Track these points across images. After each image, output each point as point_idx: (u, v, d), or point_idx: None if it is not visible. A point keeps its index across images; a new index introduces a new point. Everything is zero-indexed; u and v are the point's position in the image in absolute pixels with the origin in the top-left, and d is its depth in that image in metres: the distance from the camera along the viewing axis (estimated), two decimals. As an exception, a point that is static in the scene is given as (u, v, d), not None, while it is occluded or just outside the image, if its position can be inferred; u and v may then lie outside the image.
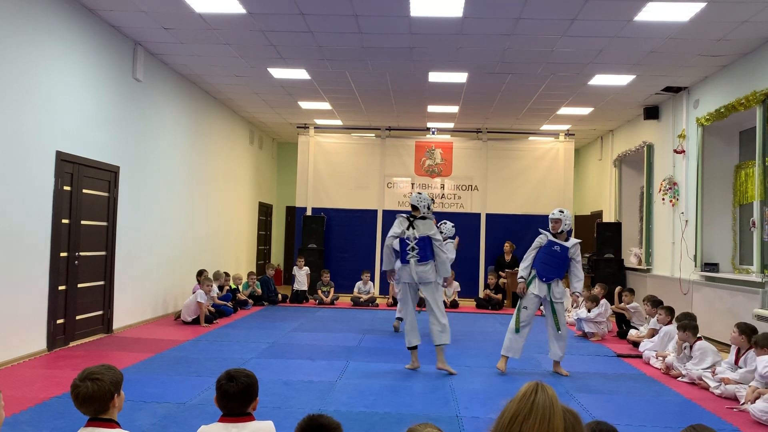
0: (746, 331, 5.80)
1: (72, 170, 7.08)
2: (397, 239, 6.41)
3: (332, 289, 12.34)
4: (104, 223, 7.87)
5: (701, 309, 8.78)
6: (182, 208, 10.22)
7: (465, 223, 13.51)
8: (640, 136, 11.83)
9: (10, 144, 5.99)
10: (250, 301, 11.25)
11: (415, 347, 6.39)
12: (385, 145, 13.97)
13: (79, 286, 7.35)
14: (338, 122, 13.61)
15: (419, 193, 6.53)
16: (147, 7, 7.05)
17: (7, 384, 5.25)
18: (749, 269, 8.16)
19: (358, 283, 12.22)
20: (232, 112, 12.82)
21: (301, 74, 9.70)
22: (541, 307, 6.61)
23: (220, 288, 10.31)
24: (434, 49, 8.29)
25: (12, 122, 6.01)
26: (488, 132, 13.83)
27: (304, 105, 11.98)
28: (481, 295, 12.83)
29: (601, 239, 12.29)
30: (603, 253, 12.19)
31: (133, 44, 8.35)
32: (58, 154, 6.74)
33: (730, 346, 6.24)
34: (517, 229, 13.46)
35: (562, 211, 6.51)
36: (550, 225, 6.54)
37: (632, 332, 8.50)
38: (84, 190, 7.35)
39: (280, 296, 12.01)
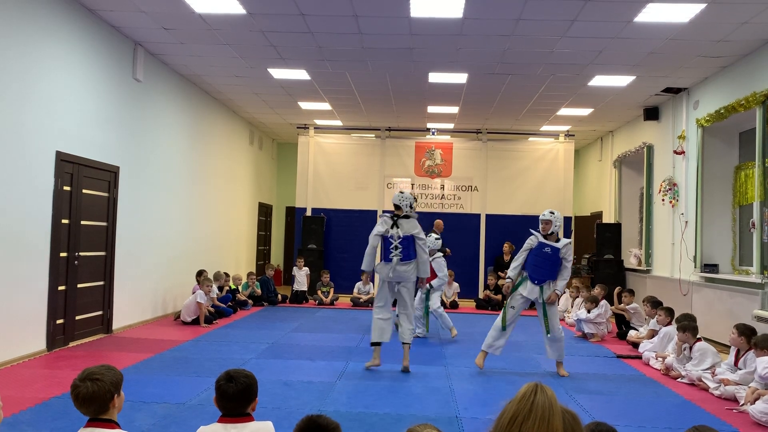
0: (745, 332, 5.80)
1: (72, 170, 7.08)
2: (380, 238, 6.42)
3: (332, 290, 12.34)
4: (104, 224, 7.87)
5: (701, 310, 8.78)
6: (182, 208, 10.22)
7: (465, 224, 13.53)
8: (640, 137, 11.83)
9: (10, 144, 5.99)
10: (250, 301, 11.25)
11: (378, 344, 6.34)
12: (385, 146, 13.97)
13: (79, 286, 7.35)
14: (338, 123, 13.61)
15: (401, 192, 6.54)
16: (147, 7, 7.05)
17: (7, 384, 5.26)
18: (749, 270, 8.16)
19: (358, 284, 12.22)
20: (232, 113, 12.83)
21: (301, 75, 9.70)
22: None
23: (220, 288, 10.31)
24: (434, 50, 8.29)
25: (12, 122, 6.01)
26: (488, 133, 13.83)
27: (304, 105, 11.98)
28: (480, 295, 12.83)
29: (601, 240, 12.29)
30: (603, 253, 12.19)
31: (133, 44, 8.35)
32: (58, 154, 6.74)
33: (729, 347, 6.24)
34: (516, 229, 13.41)
35: (552, 213, 6.50)
36: (541, 226, 6.53)
37: (632, 333, 8.50)
38: (84, 190, 7.35)
39: (279, 297, 12.00)
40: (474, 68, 9.09)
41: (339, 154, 14.01)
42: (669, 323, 7.34)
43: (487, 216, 13.76)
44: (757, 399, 5.01)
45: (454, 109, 11.91)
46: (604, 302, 8.94)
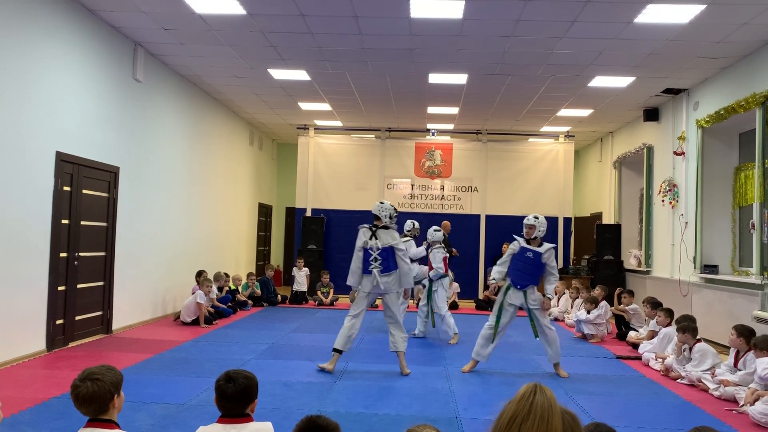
0: (744, 333, 5.80)
1: (72, 170, 7.08)
2: (363, 252, 6.34)
3: (332, 290, 12.34)
4: (104, 224, 7.87)
5: (701, 311, 8.78)
6: (182, 208, 10.22)
7: (465, 225, 13.52)
8: (640, 137, 11.83)
9: (10, 144, 5.99)
10: (250, 302, 11.25)
11: (340, 352, 6.26)
12: (385, 147, 13.98)
13: (79, 286, 7.35)
14: (338, 123, 13.61)
15: (381, 203, 6.48)
16: (147, 7, 7.06)
17: (7, 384, 5.26)
18: (749, 271, 8.16)
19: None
20: (232, 113, 12.83)
21: (301, 75, 9.71)
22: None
23: (220, 289, 10.31)
24: (434, 51, 8.29)
25: (12, 122, 6.01)
26: (488, 133, 13.84)
27: (304, 106, 11.98)
28: (480, 296, 12.83)
29: (601, 241, 12.29)
30: (603, 254, 12.20)
31: (134, 45, 8.36)
32: (58, 154, 6.74)
33: (729, 348, 6.24)
34: (516, 230, 13.21)
35: (536, 217, 6.47)
36: (524, 231, 6.50)
37: (631, 334, 8.50)
38: (84, 191, 7.35)
39: (279, 297, 12.01)
40: (474, 69, 9.09)
41: (339, 154, 14.02)
42: (669, 324, 7.34)
43: (487, 217, 13.76)
44: (756, 400, 5.01)
45: (454, 110, 11.91)
46: (603, 303, 8.94)
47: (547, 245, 6.49)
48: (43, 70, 6.46)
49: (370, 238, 6.30)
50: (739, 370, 5.71)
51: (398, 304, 6.47)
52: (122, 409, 2.64)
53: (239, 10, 7.02)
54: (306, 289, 12.35)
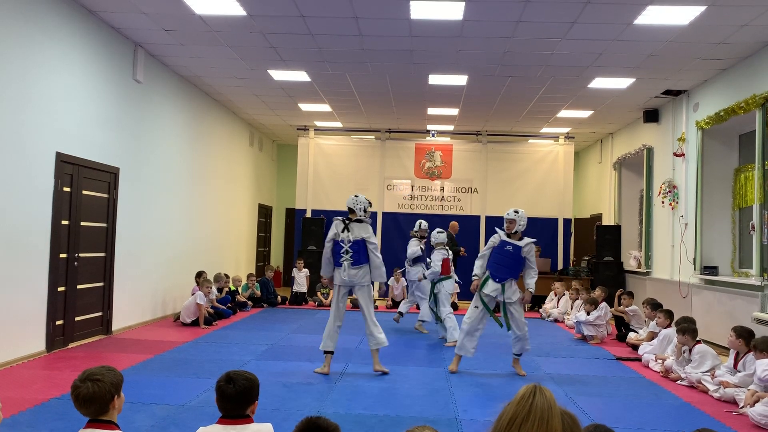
0: (743, 334, 5.80)
1: (72, 171, 7.09)
2: (332, 243, 6.33)
3: (331, 291, 12.31)
4: (104, 225, 7.87)
5: (700, 312, 8.77)
6: (182, 209, 10.22)
7: (464, 226, 13.51)
8: (640, 139, 11.83)
9: (10, 145, 6.00)
10: (249, 302, 11.24)
11: (330, 352, 6.24)
12: (385, 148, 13.98)
13: (79, 287, 7.35)
14: (338, 124, 13.62)
15: (356, 196, 6.48)
16: (148, 8, 7.06)
17: (6, 385, 5.26)
18: (749, 272, 8.16)
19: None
20: (232, 114, 12.83)
21: (301, 76, 9.71)
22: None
23: (220, 290, 10.30)
24: (434, 52, 8.30)
25: (12, 123, 6.02)
26: (488, 134, 13.84)
27: (304, 107, 11.99)
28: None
29: (601, 242, 12.29)
30: (602, 256, 12.19)
31: (134, 46, 8.36)
32: (58, 155, 6.74)
33: (729, 349, 6.24)
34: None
35: (516, 212, 6.50)
36: (505, 225, 6.54)
37: (631, 335, 8.50)
38: (84, 192, 7.36)
39: (279, 298, 12.00)
40: (474, 70, 9.10)
41: (339, 155, 14.02)
42: (668, 325, 7.34)
43: (487, 218, 13.76)
44: (756, 401, 5.01)
45: (454, 111, 11.91)
46: (603, 304, 8.94)
47: (527, 239, 6.51)
48: (43, 70, 6.46)
49: (343, 231, 6.28)
50: (739, 372, 5.70)
51: (369, 301, 6.39)
52: (122, 410, 2.64)
53: (239, 11, 7.02)
54: (306, 290, 12.35)
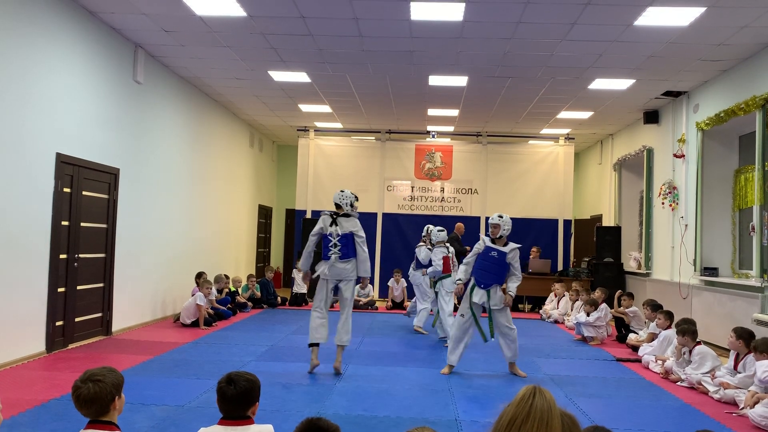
0: (743, 335, 5.80)
1: (72, 172, 7.09)
2: (316, 237, 6.33)
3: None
4: (104, 225, 7.87)
5: (700, 313, 8.77)
6: (182, 210, 10.22)
7: (465, 227, 13.50)
8: (640, 140, 11.84)
9: (11, 145, 6.00)
10: (249, 303, 11.24)
11: (316, 344, 6.25)
12: (385, 148, 13.99)
13: (79, 288, 7.35)
14: (338, 125, 13.62)
15: (342, 191, 6.47)
16: (148, 9, 7.07)
17: (6, 386, 5.26)
18: (749, 274, 8.16)
19: (357, 286, 12.21)
20: (233, 115, 12.84)
21: (301, 77, 9.72)
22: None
23: (220, 291, 10.30)
24: (434, 53, 8.30)
25: (12, 124, 6.02)
26: (488, 135, 13.84)
27: (305, 108, 11.99)
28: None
29: (601, 243, 12.29)
30: (603, 257, 12.19)
31: (134, 47, 8.36)
32: (59, 156, 6.74)
33: (729, 350, 6.23)
34: (516, 232, 13.38)
35: (501, 216, 6.49)
36: (489, 230, 6.53)
37: (631, 336, 8.50)
38: (84, 192, 7.36)
39: (279, 299, 12.00)
40: (474, 71, 9.10)
41: (339, 156, 14.03)
42: (669, 326, 7.33)
43: (488, 219, 13.73)
44: (756, 403, 5.01)
45: (454, 112, 11.92)
46: (603, 305, 8.94)
47: (512, 245, 6.50)
48: (43, 71, 6.47)
49: (331, 225, 6.28)
50: (739, 373, 5.70)
51: (353, 293, 6.41)
52: (122, 411, 2.64)
53: (240, 12, 7.03)
54: (306, 291, 12.34)
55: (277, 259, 16.74)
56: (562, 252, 13.68)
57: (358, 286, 12.20)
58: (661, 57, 8.11)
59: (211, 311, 9.36)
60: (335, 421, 2.19)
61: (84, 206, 7.36)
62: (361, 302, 11.92)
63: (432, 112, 11.96)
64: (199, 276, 9.69)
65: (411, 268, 9.76)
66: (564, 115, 11.75)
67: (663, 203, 10.53)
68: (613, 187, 13.35)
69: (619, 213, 12.99)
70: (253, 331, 8.85)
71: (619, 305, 9.31)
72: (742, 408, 5.19)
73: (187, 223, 10.44)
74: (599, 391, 5.93)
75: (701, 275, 8.98)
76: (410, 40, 7.79)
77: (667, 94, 9.97)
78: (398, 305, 12.22)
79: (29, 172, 6.28)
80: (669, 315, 7.49)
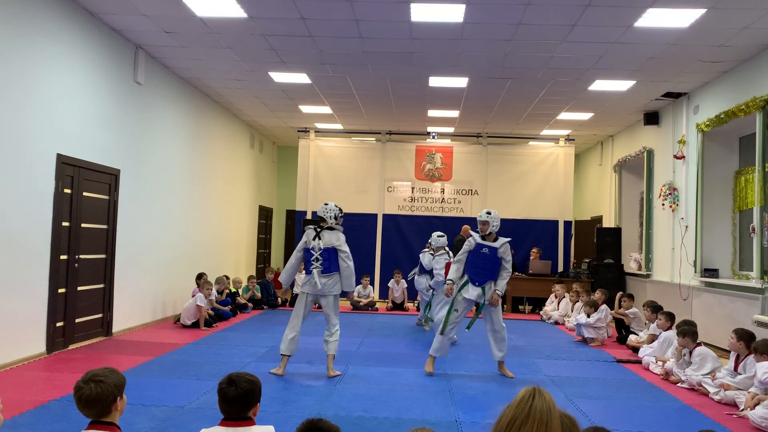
0: (744, 336, 5.80)
1: (72, 173, 7.10)
2: (302, 254, 6.28)
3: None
4: (104, 226, 7.88)
5: (701, 315, 8.77)
6: (182, 211, 10.23)
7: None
8: (640, 141, 11.84)
9: (11, 146, 6.01)
10: (250, 304, 11.25)
11: (287, 356, 6.15)
12: (386, 149, 13.99)
13: (79, 289, 7.35)
14: (339, 126, 13.63)
15: (326, 204, 6.41)
16: (149, 11, 7.07)
17: (6, 387, 5.26)
18: (749, 275, 8.16)
19: (358, 287, 12.21)
20: (233, 116, 12.85)
21: (301, 78, 9.72)
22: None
23: (220, 292, 10.30)
24: (435, 54, 8.31)
25: (13, 125, 6.03)
26: (488, 136, 13.85)
27: (305, 109, 12.00)
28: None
29: (601, 244, 12.29)
30: (603, 258, 12.19)
31: (135, 48, 8.37)
32: (59, 156, 6.75)
33: (729, 351, 6.23)
34: (516, 233, 13.42)
35: (489, 213, 6.48)
36: (479, 227, 6.52)
37: (632, 337, 8.49)
38: (84, 193, 7.36)
39: (279, 300, 12.00)
40: (474, 72, 9.11)
41: (339, 157, 14.03)
42: (669, 328, 7.33)
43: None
44: (757, 404, 5.01)
45: (454, 113, 11.92)
46: (604, 307, 8.94)
47: (502, 240, 6.50)
48: (44, 72, 6.47)
49: (314, 239, 6.23)
50: (740, 374, 5.70)
51: (335, 310, 6.27)
52: (123, 412, 2.64)
53: (240, 14, 7.03)
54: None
55: (277, 260, 16.74)
56: (563, 253, 13.68)
57: (359, 286, 12.20)
58: (662, 58, 8.12)
59: (211, 312, 9.37)
60: (336, 422, 2.19)
61: (84, 207, 7.37)
62: (361, 303, 11.92)
63: (432, 113, 11.96)
64: (200, 277, 9.69)
65: (415, 275, 9.79)
66: (564, 116, 11.76)
67: (663, 204, 10.53)
68: (613, 189, 13.35)
69: (619, 214, 12.99)
70: (253, 332, 8.85)
71: (620, 306, 9.30)
72: (743, 409, 5.18)
73: (188, 224, 10.45)
74: (599, 393, 5.93)
75: (701, 276, 8.98)
76: (410, 41, 7.80)
77: (668, 95, 9.97)
78: (398, 306, 12.22)
79: (30, 172, 6.29)
80: (670, 316, 7.49)
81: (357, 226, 13.57)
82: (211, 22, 7.35)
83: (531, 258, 12.87)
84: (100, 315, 7.85)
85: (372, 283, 12.89)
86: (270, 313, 11.17)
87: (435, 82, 9.67)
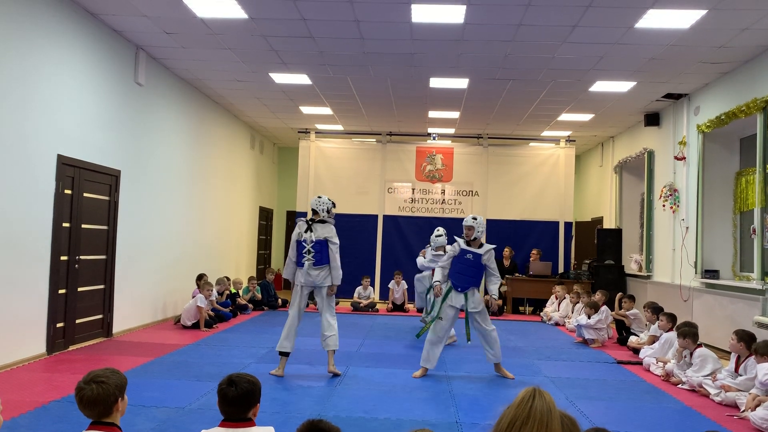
0: (744, 338, 5.79)
1: (73, 174, 7.10)
2: (297, 244, 6.30)
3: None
4: (105, 227, 7.88)
5: (701, 316, 8.77)
6: (183, 212, 10.23)
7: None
8: (641, 142, 11.84)
9: (12, 147, 6.01)
10: (250, 305, 11.25)
11: (286, 354, 6.19)
12: (386, 150, 13.99)
13: (80, 289, 7.35)
14: (339, 127, 13.64)
15: (319, 197, 6.46)
16: (149, 11, 7.08)
17: (7, 387, 5.25)
18: (750, 276, 8.15)
19: (358, 288, 12.21)
20: (234, 117, 12.85)
21: (302, 79, 9.73)
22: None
23: (221, 293, 10.30)
24: (435, 55, 8.31)
25: (14, 125, 6.03)
26: (489, 138, 13.85)
27: (306, 110, 12.00)
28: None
29: (602, 245, 12.28)
30: (603, 259, 12.19)
31: (135, 48, 8.38)
32: (60, 157, 6.75)
33: (730, 353, 6.23)
34: (517, 234, 13.48)
35: (474, 218, 6.45)
36: (464, 232, 6.48)
37: (632, 339, 8.48)
38: (85, 194, 7.37)
39: (280, 301, 12.00)
40: (475, 73, 9.11)
41: (340, 158, 14.03)
42: (670, 329, 7.32)
43: (488, 221, 13.73)
44: (757, 405, 5.00)
45: (455, 114, 11.92)
46: (604, 308, 8.93)
47: (487, 246, 6.46)
48: (44, 73, 6.48)
49: (306, 231, 6.26)
50: (740, 376, 5.69)
51: (330, 302, 6.32)
52: (124, 413, 2.64)
53: (241, 15, 7.04)
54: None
55: (277, 261, 16.74)
56: (563, 254, 13.67)
57: (360, 287, 12.20)
58: (662, 59, 8.12)
59: (211, 313, 9.37)
60: (336, 423, 2.19)
61: (85, 208, 7.37)
62: (361, 304, 11.92)
63: (433, 114, 11.96)
64: (200, 278, 9.70)
65: (418, 275, 9.81)
66: (565, 117, 11.76)
67: (664, 205, 10.52)
68: (613, 190, 13.35)
69: (619, 215, 12.99)
70: (253, 333, 8.85)
71: (620, 308, 9.30)
72: (743, 411, 5.18)
73: (188, 225, 10.45)
74: (600, 394, 5.92)
75: (702, 278, 8.97)
76: (411, 42, 7.80)
77: (668, 96, 9.97)
78: (399, 307, 12.22)
79: (30, 173, 6.29)
80: (671, 317, 7.48)
81: (357, 227, 13.58)
82: (211, 23, 7.36)
83: (531, 259, 12.87)
84: (100, 316, 7.85)
85: (372, 284, 12.89)
86: (270, 314, 11.17)
87: (435, 83, 9.67)
